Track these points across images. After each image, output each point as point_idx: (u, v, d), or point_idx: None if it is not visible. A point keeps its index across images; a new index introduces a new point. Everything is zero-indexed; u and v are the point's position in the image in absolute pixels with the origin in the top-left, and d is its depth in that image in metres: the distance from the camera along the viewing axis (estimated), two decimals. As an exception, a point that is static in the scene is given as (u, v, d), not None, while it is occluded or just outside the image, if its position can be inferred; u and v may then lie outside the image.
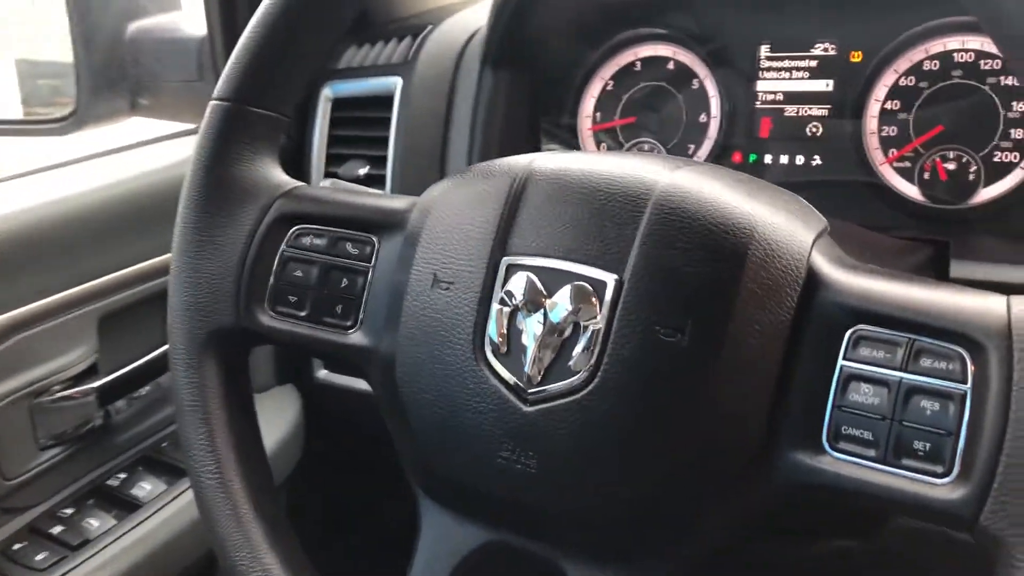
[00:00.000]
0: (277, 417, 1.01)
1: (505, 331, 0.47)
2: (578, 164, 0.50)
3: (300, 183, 0.59)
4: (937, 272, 0.71)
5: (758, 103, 0.86)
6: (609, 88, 0.92)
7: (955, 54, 0.77)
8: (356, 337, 0.55)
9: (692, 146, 0.88)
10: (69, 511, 0.83)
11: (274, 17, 0.56)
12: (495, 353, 0.47)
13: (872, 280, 0.44)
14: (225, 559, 0.54)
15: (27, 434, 0.80)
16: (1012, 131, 0.75)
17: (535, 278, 0.47)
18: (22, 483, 0.81)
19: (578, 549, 0.49)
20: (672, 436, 0.44)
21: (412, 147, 0.94)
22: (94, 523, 0.82)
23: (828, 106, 0.83)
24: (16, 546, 0.79)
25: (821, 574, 0.67)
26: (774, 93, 0.85)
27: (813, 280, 0.44)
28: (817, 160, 0.84)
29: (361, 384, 0.94)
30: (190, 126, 1.08)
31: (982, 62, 0.76)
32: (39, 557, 0.78)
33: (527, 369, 0.46)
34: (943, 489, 0.39)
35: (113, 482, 0.87)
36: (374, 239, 0.55)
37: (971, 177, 0.76)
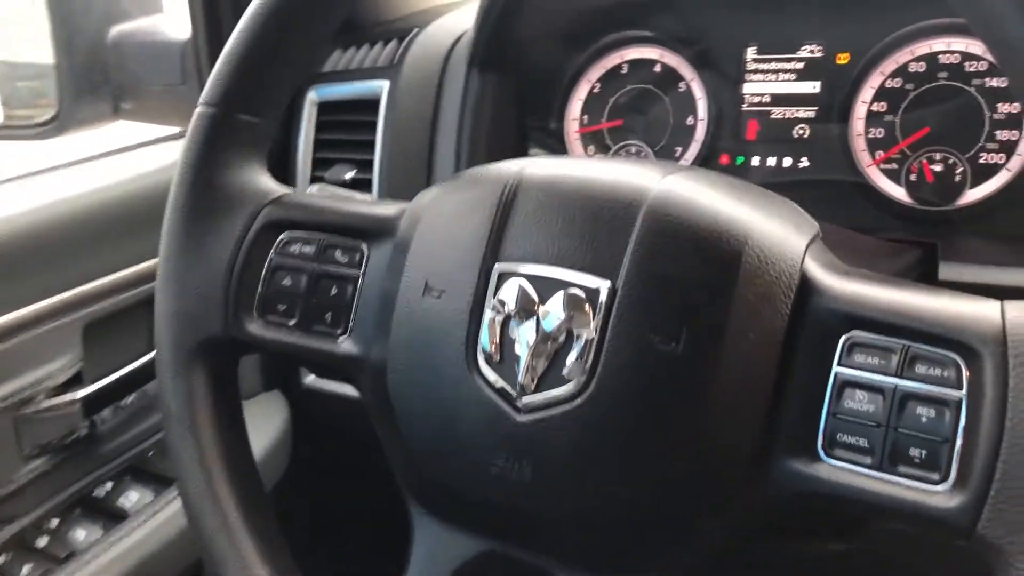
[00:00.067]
0: (264, 424, 1.01)
1: (498, 339, 0.47)
2: (569, 170, 0.50)
3: (288, 190, 0.58)
4: (925, 274, 0.71)
5: (745, 105, 0.86)
6: (596, 91, 0.92)
7: (940, 56, 0.78)
8: (346, 345, 0.54)
9: (679, 148, 0.88)
10: (54, 523, 0.82)
11: (260, 22, 0.56)
12: (488, 361, 0.47)
13: (865, 285, 0.44)
14: (216, 572, 0.54)
15: (11, 444, 0.79)
16: (997, 132, 0.76)
17: (527, 285, 0.47)
18: (6, 495, 0.79)
19: (573, 558, 0.49)
20: (667, 444, 0.44)
21: (399, 150, 0.93)
22: (80, 534, 0.81)
23: (815, 108, 0.83)
24: (-1, 559, 0.78)
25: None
26: (761, 95, 0.85)
27: (806, 286, 0.44)
28: (804, 162, 0.84)
29: (348, 390, 0.93)
30: (175, 130, 1.07)
31: (967, 64, 0.77)
32: (24, 571, 0.77)
33: (520, 378, 0.46)
34: (940, 497, 0.39)
35: (99, 492, 0.86)
36: (363, 246, 0.55)
37: (957, 178, 0.77)
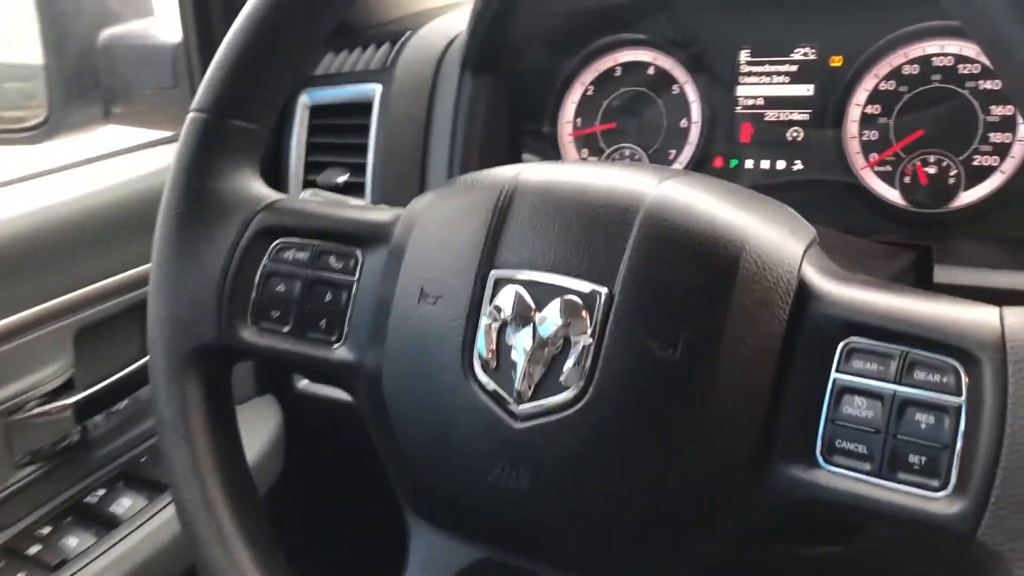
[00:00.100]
0: (257, 429, 1.00)
1: (494, 346, 0.46)
2: (565, 176, 0.50)
3: (282, 196, 0.58)
4: (921, 277, 0.71)
5: (739, 108, 0.86)
6: (589, 93, 0.92)
7: (934, 58, 0.78)
8: (341, 352, 0.54)
9: (673, 151, 0.88)
10: (46, 530, 0.81)
11: (253, 27, 0.55)
12: (484, 368, 0.47)
13: (863, 291, 0.43)
14: None
15: (2, 451, 0.79)
16: (991, 135, 0.76)
17: (524, 292, 0.46)
18: (-3, 502, 0.79)
19: (571, 565, 0.49)
20: (664, 451, 0.44)
21: (392, 154, 0.93)
22: (72, 542, 0.80)
23: (809, 111, 0.83)
24: (-9, 568, 0.77)
25: None
26: (755, 98, 0.85)
27: (804, 292, 0.44)
28: (798, 165, 0.84)
29: (341, 394, 0.92)
30: (166, 134, 1.07)
31: (961, 66, 0.77)
32: (16, 579, 0.76)
33: (517, 385, 0.46)
34: (939, 503, 0.39)
35: (91, 499, 0.85)
36: (358, 252, 0.55)
37: (951, 181, 0.77)
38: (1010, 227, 0.75)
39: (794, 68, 0.83)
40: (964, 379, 0.40)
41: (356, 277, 0.54)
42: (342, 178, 0.96)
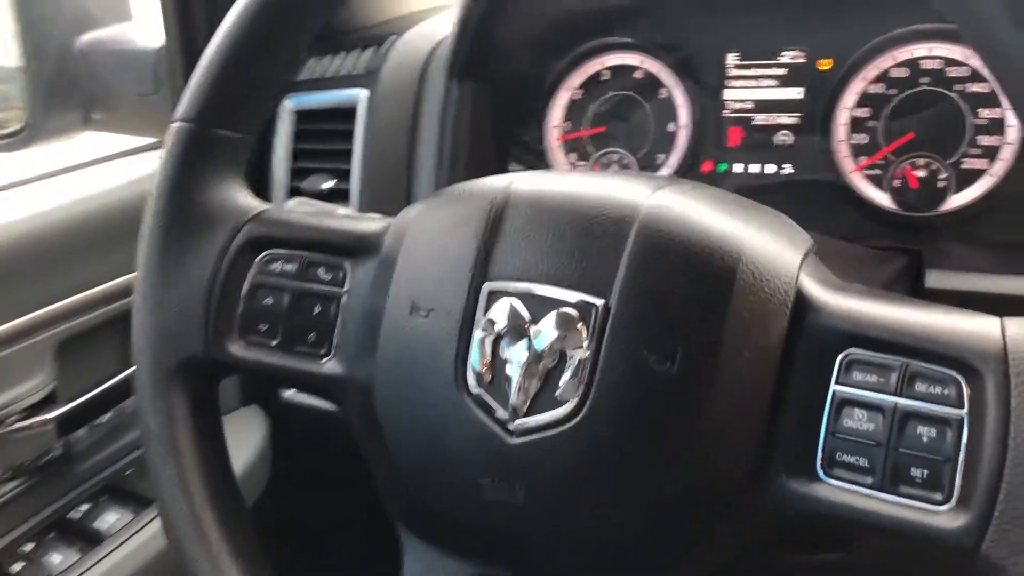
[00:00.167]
0: (243, 439, 0.99)
1: (488, 360, 0.46)
2: (557, 185, 0.49)
3: (268, 206, 0.57)
4: (913, 282, 0.71)
5: (727, 112, 0.85)
6: (577, 98, 0.91)
7: (922, 61, 0.78)
8: (331, 365, 0.53)
9: (661, 156, 0.88)
10: (29, 547, 0.80)
11: (238, 33, 0.54)
12: (479, 382, 0.46)
13: (862, 302, 0.43)
14: None
15: (-17, 467, 0.77)
16: (980, 138, 0.76)
17: (518, 304, 0.45)
18: (-22, 518, 0.78)
19: None
20: (663, 467, 0.43)
21: (378, 160, 0.92)
22: (56, 559, 0.79)
23: (797, 114, 0.83)
24: (-28, 585, 0.76)
25: None
26: (743, 102, 0.85)
27: (802, 303, 0.43)
28: (787, 169, 0.84)
29: (328, 403, 0.92)
30: (147, 141, 1.05)
31: (949, 69, 0.77)
32: (-2, 596, 0.75)
33: (512, 399, 0.45)
34: (943, 517, 0.39)
35: (75, 514, 0.84)
36: (347, 264, 0.54)
37: (941, 184, 0.77)
38: (1000, 231, 0.75)
39: (782, 71, 0.83)
40: (966, 391, 0.39)
41: (345, 289, 0.53)
42: (327, 184, 0.95)
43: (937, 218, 0.77)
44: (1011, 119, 0.75)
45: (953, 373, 0.40)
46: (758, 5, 0.83)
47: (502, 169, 0.93)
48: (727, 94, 0.85)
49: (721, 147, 0.86)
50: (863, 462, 0.41)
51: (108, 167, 0.98)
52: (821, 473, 0.42)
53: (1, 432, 0.78)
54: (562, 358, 0.44)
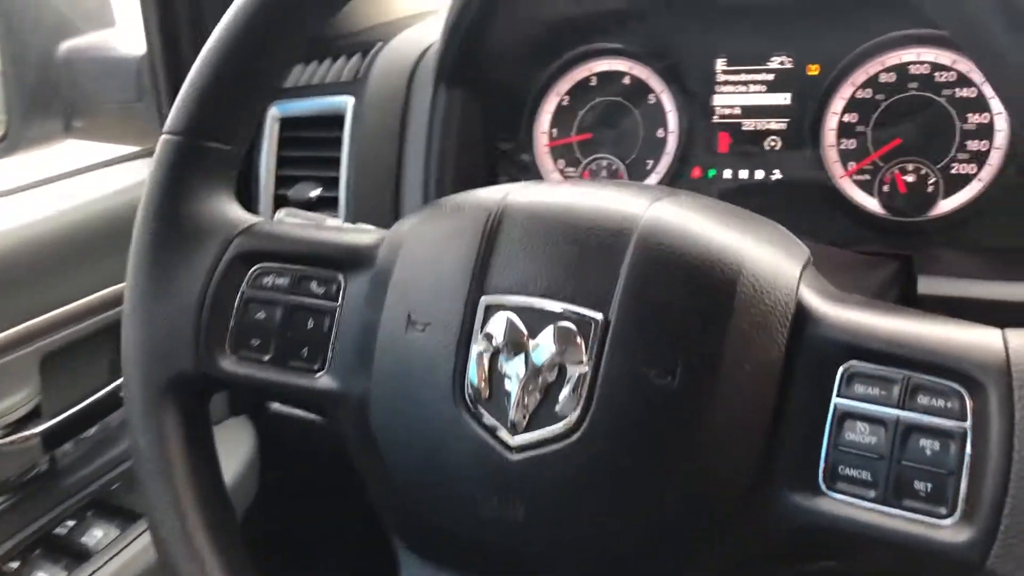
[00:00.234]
0: (232, 450, 0.98)
1: (486, 375, 0.45)
2: (554, 197, 0.49)
3: (259, 219, 0.56)
4: (904, 288, 0.71)
5: (715, 118, 0.85)
6: (565, 104, 0.91)
7: (910, 66, 0.78)
8: (325, 381, 0.52)
9: (650, 161, 0.88)
10: (14, 564, 0.79)
11: (227, 46, 0.53)
12: (477, 398, 0.45)
13: (863, 313, 0.43)
14: None
15: (-33, 484, 0.76)
16: (968, 143, 0.76)
17: (516, 318, 0.45)
18: (-38, 536, 0.76)
19: None
20: (664, 482, 0.43)
21: (366, 167, 0.91)
22: (42, 577, 0.78)
23: (786, 120, 0.83)
24: (-43, 604, 0.75)
25: None
26: (731, 107, 0.85)
27: (802, 315, 0.43)
28: (776, 174, 0.84)
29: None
30: (130, 149, 1.04)
31: (937, 74, 0.77)
32: (-17, 615, 0.73)
33: (511, 415, 0.44)
34: (947, 531, 0.39)
35: (61, 530, 0.83)
36: (340, 277, 0.53)
37: (930, 189, 0.77)
38: (990, 236, 0.75)
39: (771, 77, 0.83)
40: (969, 404, 0.39)
41: (339, 303, 0.52)
42: (314, 192, 0.94)
43: (927, 223, 0.77)
44: (999, 124, 0.75)
45: (955, 386, 0.39)
46: (746, 11, 0.83)
47: (491, 175, 0.92)
48: (716, 100, 0.85)
49: (710, 153, 0.86)
50: (866, 475, 0.41)
51: (92, 177, 0.97)
52: (823, 486, 0.42)
53: (-15, 448, 0.77)
54: (561, 373, 0.44)
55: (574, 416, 0.43)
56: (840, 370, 0.42)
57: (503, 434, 0.44)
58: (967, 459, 0.39)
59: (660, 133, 0.87)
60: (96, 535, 0.82)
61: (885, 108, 0.79)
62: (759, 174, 0.84)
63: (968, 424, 0.39)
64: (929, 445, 0.39)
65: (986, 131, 0.75)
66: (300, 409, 0.92)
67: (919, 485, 0.39)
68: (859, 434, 0.41)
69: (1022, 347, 0.39)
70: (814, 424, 0.42)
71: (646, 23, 0.87)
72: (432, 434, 0.46)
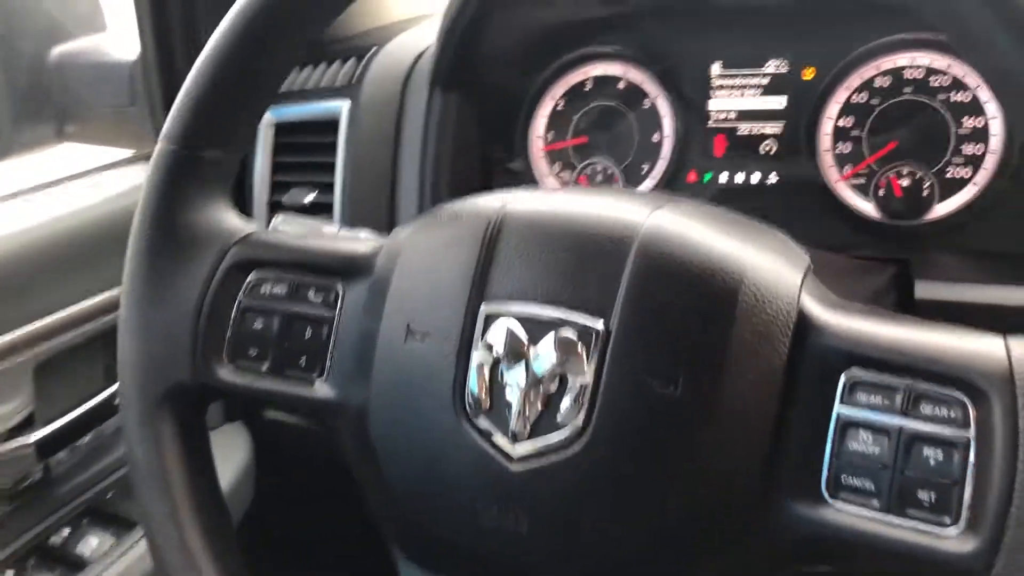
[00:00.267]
0: (228, 457, 0.98)
1: (487, 384, 0.45)
2: (554, 205, 0.48)
3: (256, 227, 0.56)
4: (902, 292, 0.71)
5: (711, 122, 0.85)
6: (560, 108, 0.90)
7: (906, 71, 0.78)
8: (323, 390, 0.52)
9: (646, 165, 0.87)
10: (10, 574, 0.78)
11: (224, 53, 0.53)
12: (477, 408, 0.45)
13: (864, 322, 0.43)
14: None
15: (-40, 493, 0.75)
16: (963, 147, 0.76)
17: (516, 327, 0.45)
18: (-44, 546, 0.76)
19: None
20: (667, 491, 0.42)
21: (361, 172, 0.91)
22: (37, 586, 0.77)
23: (782, 123, 0.83)
24: (-49, 615, 0.74)
25: None
26: (727, 111, 0.85)
27: (804, 323, 0.43)
28: (772, 178, 0.84)
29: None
30: (123, 154, 1.03)
31: (932, 78, 0.77)
32: (-22, 627, 0.73)
33: (513, 425, 0.44)
34: (951, 541, 0.38)
35: (56, 539, 0.82)
36: (338, 285, 0.53)
37: (925, 193, 0.77)
38: (985, 239, 0.76)
39: (766, 81, 0.83)
40: (972, 412, 0.39)
41: (337, 311, 0.52)
42: (309, 198, 0.94)
43: (923, 227, 0.77)
44: (994, 128, 0.75)
45: (958, 394, 0.39)
46: (741, 15, 0.83)
47: (486, 180, 0.92)
48: (711, 104, 0.85)
49: (706, 157, 0.86)
50: (869, 485, 0.41)
51: (86, 182, 0.96)
52: (826, 496, 0.42)
53: (-21, 457, 0.76)
54: (562, 382, 0.44)
55: (576, 426, 0.43)
56: (842, 378, 0.42)
57: (504, 444, 0.44)
58: (971, 468, 0.38)
59: (656, 137, 0.87)
60: (92, 544, 0.82)
61: (880, 112, 0.79)
62: (755, 178, 0.84)
63: (972, 433, 0.39)
64: (933, 454, 0.39)
65: (981, 135, 0.76)
66: (297, 417, 0.92)
67: (923, 494, 0.39)
68: (862, 443, 0.41)
69: None
70: (816, 433, 0.42)
71: (641, 27, 0.87)
72: (432, 444, 0.46)
